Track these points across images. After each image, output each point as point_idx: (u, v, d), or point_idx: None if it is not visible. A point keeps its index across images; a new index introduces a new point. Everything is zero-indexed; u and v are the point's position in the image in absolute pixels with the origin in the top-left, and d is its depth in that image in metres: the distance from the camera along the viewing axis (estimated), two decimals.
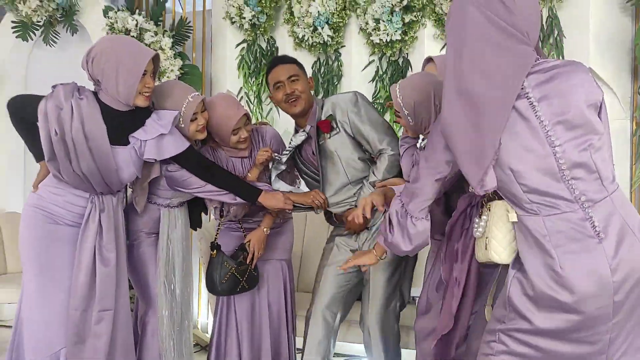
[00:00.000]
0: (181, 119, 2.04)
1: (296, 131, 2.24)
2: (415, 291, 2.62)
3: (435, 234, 1.78)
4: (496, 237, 1.38)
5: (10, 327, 3.86)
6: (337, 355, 3.07)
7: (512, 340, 1.33)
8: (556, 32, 2.69)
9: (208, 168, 2.09)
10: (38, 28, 3.60)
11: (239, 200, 2.10)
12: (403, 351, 2.27)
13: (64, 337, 1.92)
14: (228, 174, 2.14)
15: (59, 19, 3.57)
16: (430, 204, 1.49)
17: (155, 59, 1.97)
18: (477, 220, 1.46)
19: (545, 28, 2.70)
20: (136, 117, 1.97)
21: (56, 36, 3.63)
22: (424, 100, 1.75)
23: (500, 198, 1.39)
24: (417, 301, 1.98)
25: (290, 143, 2.18)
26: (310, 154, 2.19)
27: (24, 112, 1.96)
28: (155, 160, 2.00)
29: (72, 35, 3.60)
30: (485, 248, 1.41)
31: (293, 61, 2.24)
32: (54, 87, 1.96)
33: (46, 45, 3.64)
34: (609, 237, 1.25)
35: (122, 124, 1.94)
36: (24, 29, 3.60)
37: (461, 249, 1.63)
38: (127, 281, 2.10)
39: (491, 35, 1.25)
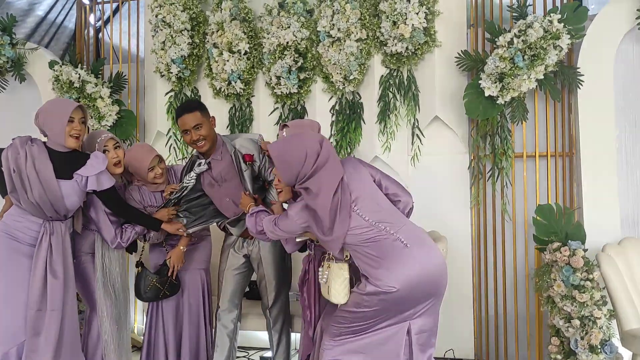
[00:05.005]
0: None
1: (198, 158, 2.74)
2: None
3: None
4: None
5: None
6: (247, 349, 3.74)
7: None
8: (413, 88, 3.52)
9: (124, 205, 2.67)
10: None
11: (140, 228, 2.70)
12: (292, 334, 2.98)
13: (25, 330, 2.47)
14: (137, 210, 2.71)
15: (8, 69, 4.10)
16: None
17: (83, 110, 2.55)
18: (320, 271, 2.23)
19: (405, 84, 3.54)
20: (77, 159, 2.54)
21: (5, 84, 4.16)
22: None
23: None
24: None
25: (194, 171, 2.68)
26: (206, 184, 2.73)
27: None
28: (95, 191, 2.56)
29: (20, 83, 4.12)
30: (328, 293, 2.19)
31: (197, 108, 2.65)
32: (13, 139, 2.54)
33: None
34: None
35: (65, 162, 2.51)
36: None
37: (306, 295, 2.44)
38: (74, 289, 2.64)
39: None
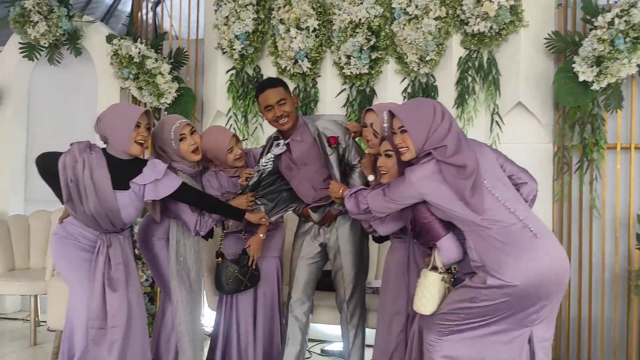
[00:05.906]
0: (173, 142, 2.46)
1: (276, 139, 2.58)
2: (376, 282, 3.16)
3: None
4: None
5: (11, 319, 4.24)
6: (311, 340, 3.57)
7: None
8: (494, 71, 3.26)
9: (200, 197, 2.47)
10: (43, 49, 4.00)
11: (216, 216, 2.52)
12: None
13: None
14: (217, 201, 2.52)
15: (64, 43, 3.98)
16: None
17: (149, 115, 2.37)
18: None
19: (485, 67, 3.30)
20: (135, 166, 2.34)
21: (60, 57, 4.03)
22: None
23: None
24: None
25: (272, 152, 2.53)
26: (284, 166, 2.55)
27: (49, 166, 2.33)
28: (155, 200, 2.37)
29: (76, 57, 3.99)
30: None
31: (279, 84, 2.52)
32: (71, 144, 2.34)
33: (50, 64, 4.03)
34: None
35: (124, 170, 2.32)
36: (30, 49, 3.98)
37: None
38: (141, 299, 2.45)
39: None
